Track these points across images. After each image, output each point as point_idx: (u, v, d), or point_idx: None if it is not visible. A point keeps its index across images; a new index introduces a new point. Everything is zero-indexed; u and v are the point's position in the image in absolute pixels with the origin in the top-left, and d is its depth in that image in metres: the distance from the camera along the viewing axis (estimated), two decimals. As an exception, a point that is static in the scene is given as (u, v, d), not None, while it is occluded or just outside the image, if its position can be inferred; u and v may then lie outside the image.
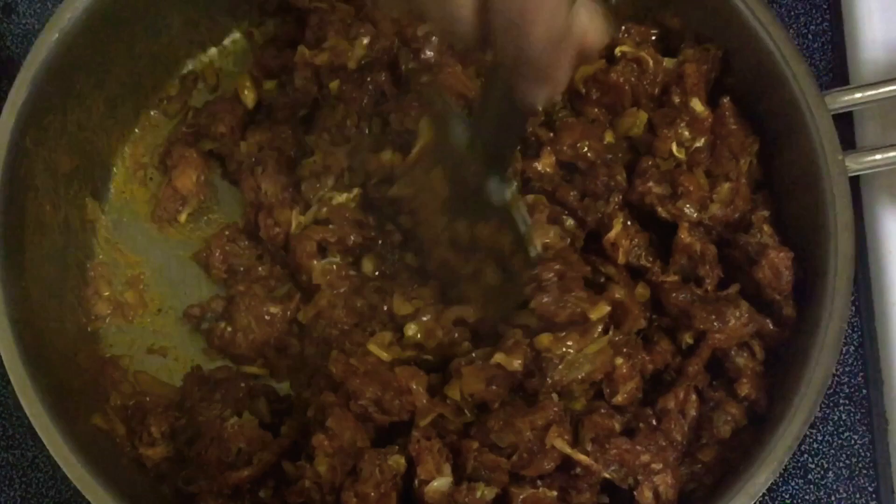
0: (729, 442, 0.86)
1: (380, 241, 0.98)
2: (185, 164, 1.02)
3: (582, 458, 0.82)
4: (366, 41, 0.98)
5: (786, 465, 0.93)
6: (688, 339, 0.89)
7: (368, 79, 0.98)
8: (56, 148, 0.95)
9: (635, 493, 0.82)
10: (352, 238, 0.96)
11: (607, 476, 0.82)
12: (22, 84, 0.90)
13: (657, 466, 0.82)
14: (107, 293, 1.00)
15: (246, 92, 1.04)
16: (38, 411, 0.83)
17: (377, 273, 0.97)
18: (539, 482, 0.83)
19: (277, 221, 0.98)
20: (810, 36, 1.11)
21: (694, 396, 0.87)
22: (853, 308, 1.01)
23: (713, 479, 0.85)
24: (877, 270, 1.00)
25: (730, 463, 0.85)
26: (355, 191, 0.97)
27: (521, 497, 0.82)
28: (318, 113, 1.01)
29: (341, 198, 0.97)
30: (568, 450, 0.82)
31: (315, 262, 0.96)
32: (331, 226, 0.96)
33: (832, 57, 1.10)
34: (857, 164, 0.91)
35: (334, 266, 0.96)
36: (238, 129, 1.03)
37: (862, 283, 1.02)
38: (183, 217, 1.03)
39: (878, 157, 0.92)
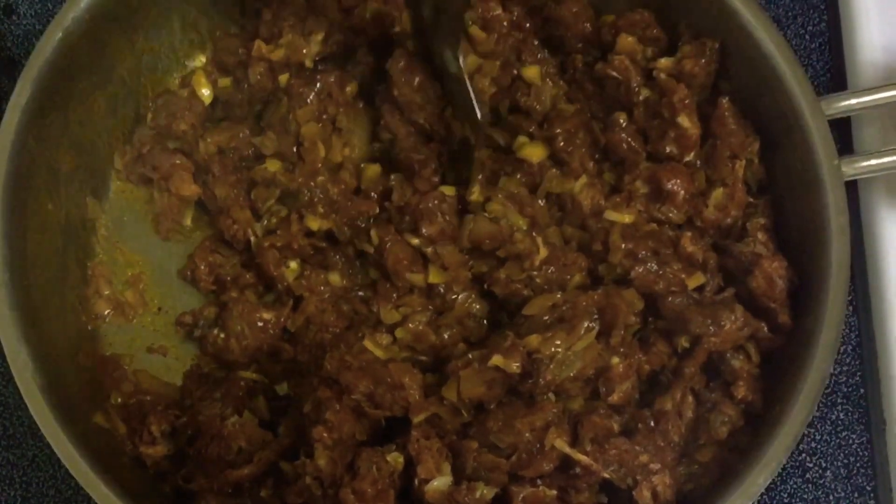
0: (726, 443, 0.87)
1: (334, 255, 0.99)
2: (181, 170, 1.01)
3: (582, 458, 0.83)
4: (320, 38, 0.99)
5: (784, 465, 0.94)
6: (684, 342, 0.90)
7: (318, 77, 0.99)
8: (58, 147, 0.96)
9: (634, 492, 0.83)
10: (298, 243, 0.97)
11: (606, 476, 0.83)
12: (25, 83, 0.90)
13: (655, 467, 0.83)
14: (107, 292, 1.00)
15: (202, 89, 1.04)
16: (42, 409, 0.84)
17: (347, 283, 0.99)
18: (539, 481, 0.84)
19: (235, 220, 1.00)
20: (808, 37, 1.11)
21: (690, 398, 0.88)
22: (851, 309, 1.02)
23: (711, 480, 0.86)
24: (875, 272, 1.00)
25: (728, 463, 0.86)
26: None
27: (521, 496, 0.83)
28: (265, 109, 1.03)
29: (285, 212, 0.99)
30: (568, 450, 0.83)
31: (284, 270, 0.98)
32: (278, 232, 0.98)
33: (830, 58, 1.10)
34: (853, 169, 0.92)
35: (306, 272, 0.98)
36: (199, 125, 1.03)
37: (860, 284, 1.02)
38: (188, 220, 1.03)
39: (873, 162, 0.93)
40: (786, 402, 0.84)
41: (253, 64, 1.01)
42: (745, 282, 0.90)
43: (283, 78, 1.01)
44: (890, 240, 0.99)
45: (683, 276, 0.90)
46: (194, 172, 1.02)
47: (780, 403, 0.85)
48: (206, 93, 1.04)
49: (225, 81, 1.04)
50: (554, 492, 0.84)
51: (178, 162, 1.01)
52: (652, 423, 0.86)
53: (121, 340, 1.00)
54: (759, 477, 0.81)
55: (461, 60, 0.92)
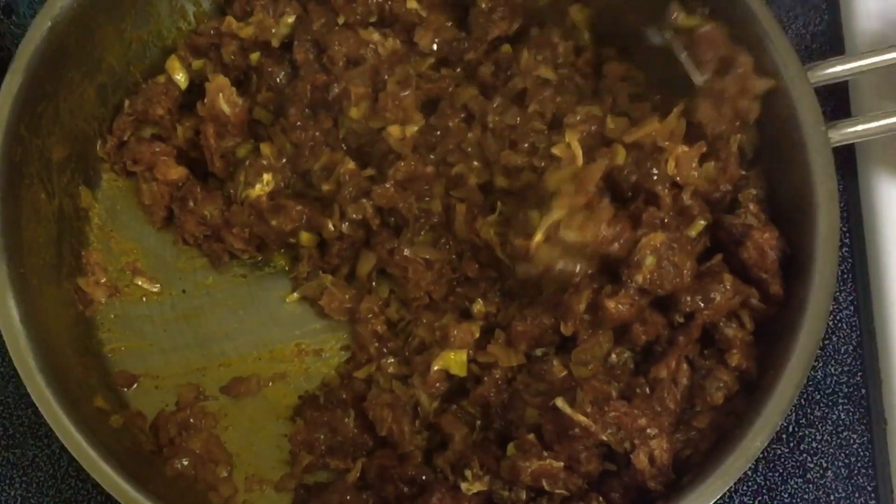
0: (722, 408, 0.88)
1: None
2: (162, 156, 1.02)
3: (581, 419, 0.83)
4: (290, 20, 0.99)
5: (785, 465, 0.96)
6: (678, 318, 0.90)
7: (287, 56, 1.00)
8: (49, 136, 0.96)
9: (631, 456, 0.84)
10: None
11: (604, 439, 0.84)
12: (16, 72, 0.91)
13: (653, 431, 0.84)
14: (103, 280, 1.01)
15: (177, 74, 1.04)
16: (42, 393, 0.84)
17: None
18: (546, 454, 0.85)
19: None
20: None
21: (685, 366, 0.88)
22: (852, 309, 1.02)
23: (708, 445, 0.87)
24: (875, 271, 1.00)
25: (724, 429, 0.87)
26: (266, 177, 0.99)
27: (530, 470, 0.84)
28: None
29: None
30: (568, 410, 0.84)
31: None
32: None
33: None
34: (840, 135, 0.92)
35: None
36: (175, 110, 1.04)
37: (861, 283, 1.02)
38: None
39: (860, 128, 0.93)
40: (779, 367, 0.85)
41: (225, 43, 1.02)
42: (737, 253, 0.91)
43: (255, 57, 1.01)
44: (892, 241, 0.99)
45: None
46: (176, 156, 1.02)
47: (775, 368, 0.85)
48: (180, 77, 1.04)
49: (199, 63, 1.04)
50: (561, 464, 0.85)
51: (157, 150, 1.02)
52: (648, 391, 0.87)
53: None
54: (756, 439, 0.82)
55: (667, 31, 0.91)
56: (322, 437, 0.94)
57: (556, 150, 0.92)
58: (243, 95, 1.00)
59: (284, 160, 0.98)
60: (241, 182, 0.98)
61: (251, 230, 0.98)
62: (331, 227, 0.96)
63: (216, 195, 1.00)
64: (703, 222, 0.91)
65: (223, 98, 0.97)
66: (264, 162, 0.97)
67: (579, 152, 0.91)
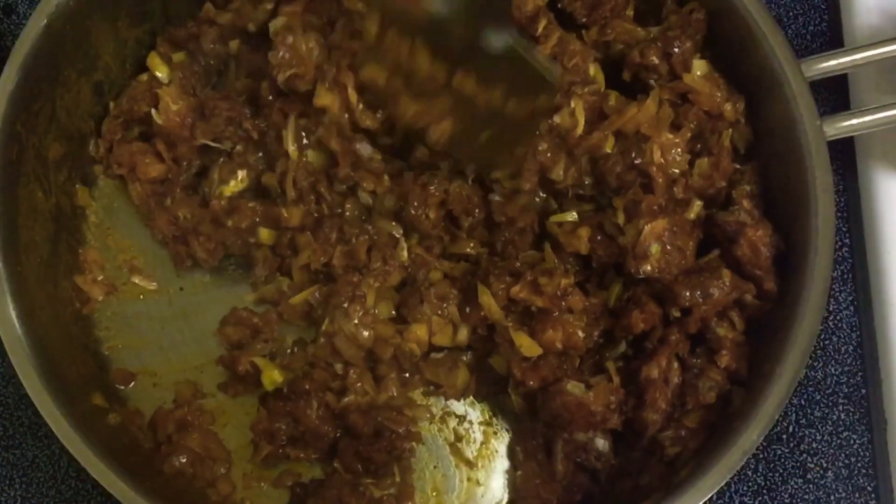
0: (713, 406, 0.88)
1: None
2: (141, 155, 1.02)
3: None
4: (269, 6, 0.99)
5: (785, 465, 0.96)
6: (675, 312, 0.90)
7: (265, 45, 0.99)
8: (46, 134, 0.96)
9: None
10: None
11: None
12: (12, 70, 0.91)
13: None
14: (100, 278, 1.01)
15: (157, 71, 1.04)
16: (39, 391, 0.85)
17: None
18: None
19: None
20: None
21: (676, 364, 0.89)
22: (852, 309, 1.02)
23: (697, 444, 0.87)
24: (876, 271, 1.00)
25: (715, 426, 0.87)
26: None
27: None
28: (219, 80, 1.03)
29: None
30: None
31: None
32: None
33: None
34: (835, 129, 0.92)
35: None
36: None
37: (861, 283, 1.02)
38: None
39: (854, 121, 0.93)
40: (775, 360, 0.85)
41: (204, 31, 1.02)
42: (731, 251, 0.91)
43: (234, 44, 1.01)
44: (892, 240, 0.99)
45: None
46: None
47: (770, 363, 0.86)
48: (161, 74, 1.04)
49: (179, 56, 1.04)
50: None
51: (135, 149, 1.02)
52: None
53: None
54: (753, 434, 0.82)
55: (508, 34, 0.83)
56: (284, 427, 0.94)
57: (557, 119, 0.91)
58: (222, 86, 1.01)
59: (260, 154, 0.98)
60: (214, 179, 0.98)
61: (216, 242, 0.99)
62: (285, 213, 0.96)
63: (194, 199, 1.00)
64: (699, 202, 0.92)
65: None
66: (238, 159, 0.98)
67: (582, 119, 0.91)
